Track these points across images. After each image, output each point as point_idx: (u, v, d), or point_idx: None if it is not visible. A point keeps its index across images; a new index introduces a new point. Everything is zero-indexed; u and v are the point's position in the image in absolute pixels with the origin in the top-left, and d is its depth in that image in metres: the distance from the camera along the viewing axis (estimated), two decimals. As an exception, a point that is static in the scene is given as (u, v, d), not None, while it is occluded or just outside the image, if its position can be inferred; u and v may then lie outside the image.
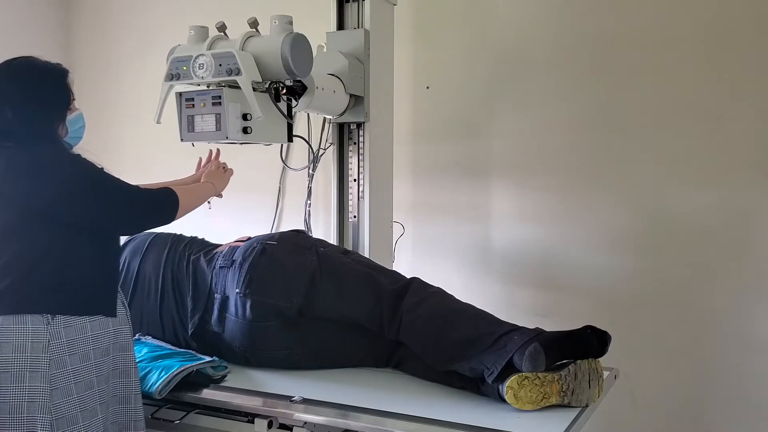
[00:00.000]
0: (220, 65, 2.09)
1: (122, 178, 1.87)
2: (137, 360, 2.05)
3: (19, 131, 1.78)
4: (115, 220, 1.86)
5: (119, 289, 1.93)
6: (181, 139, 2.23)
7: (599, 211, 2.84)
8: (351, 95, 2.60)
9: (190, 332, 2.25)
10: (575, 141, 2.87)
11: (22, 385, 1.72)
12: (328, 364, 2.20)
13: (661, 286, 2.74)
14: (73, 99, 1.90)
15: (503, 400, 1.85)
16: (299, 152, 3.03)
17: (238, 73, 2.06)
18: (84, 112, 1.96)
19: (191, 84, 2.19)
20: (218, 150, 2.43)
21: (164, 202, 1.94)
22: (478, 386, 1.95)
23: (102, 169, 1.85)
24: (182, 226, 2.35)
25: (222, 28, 2.22)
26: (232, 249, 2.29)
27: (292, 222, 3.25)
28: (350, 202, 2.71)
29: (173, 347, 2.23)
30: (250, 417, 1.92)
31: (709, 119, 2.67)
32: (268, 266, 2.19)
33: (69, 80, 1.89)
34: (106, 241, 1.89)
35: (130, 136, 3.71)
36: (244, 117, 2.15)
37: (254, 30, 2.19)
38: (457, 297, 2.18)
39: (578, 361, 1.92)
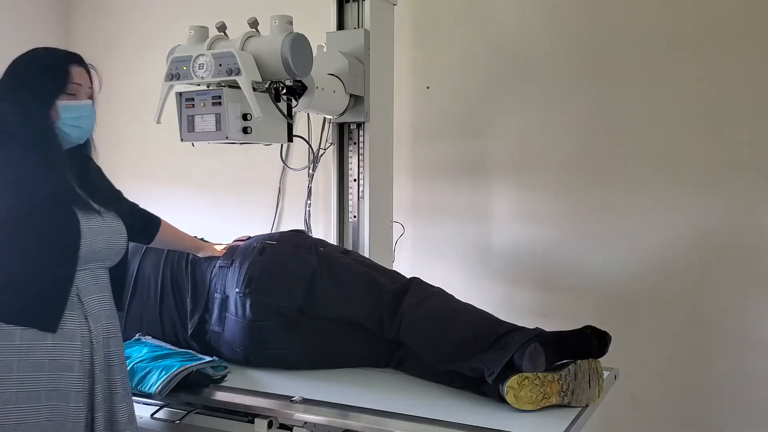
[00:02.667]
0: (220, 65, 2.09)
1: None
2: (137, 360, 2.06)
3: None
4: None
5: (84, 300, 1.73)
6: (182, 139, 2.23)
7: (599, 211, 2.83)
8: (351, 95, 2.60)
9: (189, 332, 2.25)
10: (575, 141, 2.87)
11: None
12: (328, 364, 2.20)
13: (661, 286, 2.74)
14: (69, 84, 1.76)
15: (503, 400, 1.85)
16: (299, 152, 3.03)
17: (238, 73, 2.06)
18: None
19: (191, 84, 2.19)
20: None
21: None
22: (479, 386, 1.95)
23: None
24: (182, 225, 2.35)
25: (222, 28, 2.22)
26: (232, 248, 2.29)
27: (292, 222, 3.25)
28: (350, 202, 2.71)
29: (173, 347, 2.23)
30: (250, 417, 1.92)
31: (709, 120, 2.66)
32: (268, 266, 2.19)
33: (64, 65, 1.76)
34: (66, 252, 1.71)
35: (130, 136, 3.71)
36: (244, 117, 2.15)
37: (254, 30, 2.19)
38: (457, 297, 2.18)
39: (578, 361, 1.92)
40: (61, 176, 1.74)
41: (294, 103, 2.34)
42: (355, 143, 2.68)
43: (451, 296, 2.18)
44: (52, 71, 1.76)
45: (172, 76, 2.16)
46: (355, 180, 2.68)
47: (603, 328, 1.99)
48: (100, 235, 1.77)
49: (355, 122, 2.67)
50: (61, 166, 1.75)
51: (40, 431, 1.64)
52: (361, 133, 2.66)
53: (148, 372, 2.00)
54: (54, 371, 1.66)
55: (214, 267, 2.27)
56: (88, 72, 1.85)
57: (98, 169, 1.94)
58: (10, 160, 1.70)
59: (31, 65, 1.77)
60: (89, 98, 1.82)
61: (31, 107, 1.72)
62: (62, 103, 1.75)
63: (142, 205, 2.13)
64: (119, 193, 2.03)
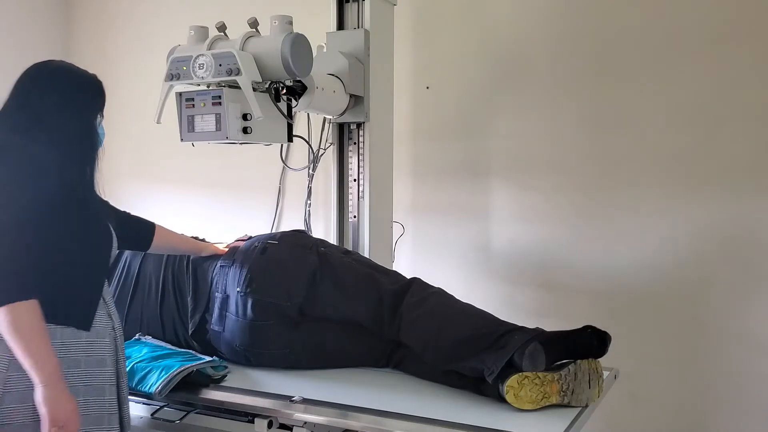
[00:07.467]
0: (220, 65, 2.09)
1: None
2: (137, 360, 2.06)
3: (40, 127, 1.70)
4: None
5: (106, 300, 1.79)
6: (182, 139, 2.23)
7: (599, 210, 2.84)
8: (351, 95, 2.60)
9: (190, 332, 2.25)
10: (575, 141, 2.87)
11: None
12: (328, 364, 2.21)
13: (661, 286, 2.74)
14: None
15: (503, 400, 1.85)
16: (299, 152, 3.03)
17: (238, 73, 2.06)
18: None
19: (191, 84, 2.19)
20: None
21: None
22: (478, 386, 1.95)
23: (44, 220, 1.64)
24: (183, 225, 2.36)
25: (222, 28, 2.22)
26: (233, 248, 2.30)
27: (292, 222, 3.25)
28: (350, 202, 2.71)
29: (173, 347, 2.23)
30: (250, 417, 1.92)
31: (709, 120, 2.66)
32: (268, 265, 2.20)
33: (103, 89, 1.85)
34: (95, 254, 1.77)
35: (130, 137, 3.71)
36: (244, 117, 2.15)
37: (254, 30, 2.19)
38: (457, 297, 2.18)
39: (578, 361, 1.92)
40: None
41: (294, 103, 2.35)
42: (355, 143, 2.68)
43: (452, 296, 2.18)
44: (98, 91, 1.83)
45: (172, 76, 2.17)
46: (355, 180, 2.68)
47: (603, 328, 1.99)
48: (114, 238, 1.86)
49: (355, 122, 2.67)
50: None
51: (84, 427, 1.68)
52: (361, 133, 2.66)
53: (148, 372, 2.01)
54: (89, 367, 1.72)
55: (215, 266, 2.27)
56: None
57: None
58: (57, 159, 1.70)
59: (78, 80, 1.80)
60: None
61: (84, 115, 1.79)
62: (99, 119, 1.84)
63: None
64: (107, 203, 2.02)
